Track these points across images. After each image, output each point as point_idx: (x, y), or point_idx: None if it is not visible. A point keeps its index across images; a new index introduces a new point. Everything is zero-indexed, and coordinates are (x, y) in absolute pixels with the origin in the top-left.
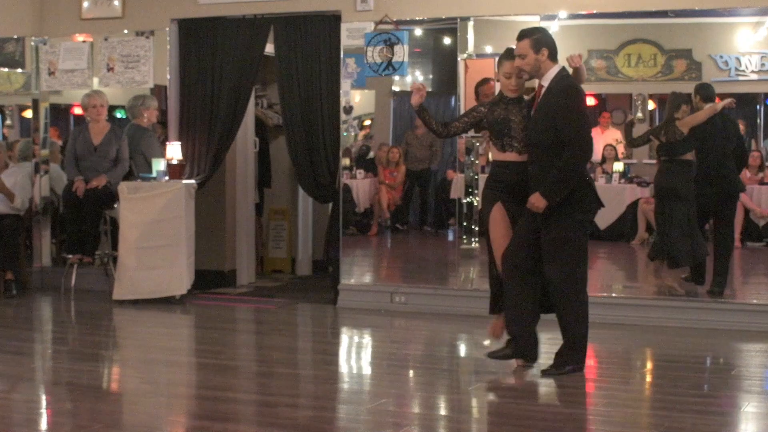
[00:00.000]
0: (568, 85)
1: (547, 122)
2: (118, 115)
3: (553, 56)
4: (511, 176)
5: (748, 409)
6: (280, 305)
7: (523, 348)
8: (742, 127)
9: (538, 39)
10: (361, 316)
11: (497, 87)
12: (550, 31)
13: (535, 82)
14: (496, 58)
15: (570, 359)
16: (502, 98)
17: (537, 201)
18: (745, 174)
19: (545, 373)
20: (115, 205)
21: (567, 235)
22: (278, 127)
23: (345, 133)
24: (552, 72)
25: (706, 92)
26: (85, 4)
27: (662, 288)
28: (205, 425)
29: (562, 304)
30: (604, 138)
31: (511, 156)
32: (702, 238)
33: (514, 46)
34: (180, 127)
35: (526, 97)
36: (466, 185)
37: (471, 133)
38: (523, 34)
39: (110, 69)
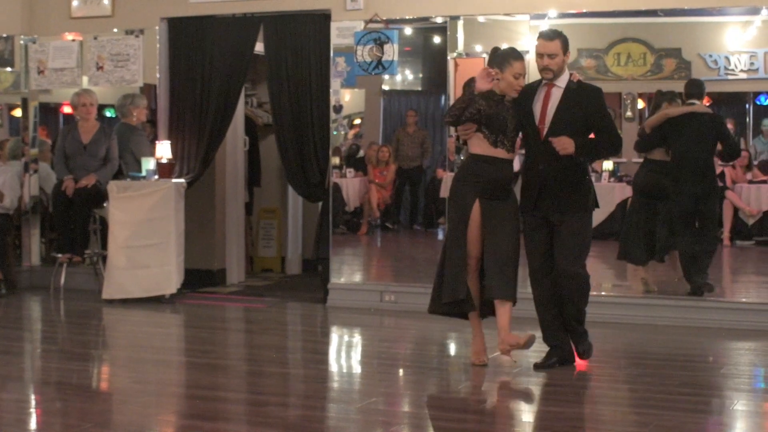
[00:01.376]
0: (595, 86)
1: (576, 120)
2: (108, 114)
3: None
4: (496, 173)
5: (737, 407)
6: (269, 304)
7: (569, 353)
8: (730, 126)
9: (566, 40)
10: (350, 315)
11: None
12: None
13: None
14: (486, 57)
15: (590, 347)
16: (494, 96)
17: (569, 145)
18: (734, 173)
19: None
20: (105, 204)
21: (584, 229)
22: (268, 126)
23: (335, 132)
24: (567, 74)
25: (688, 88)
26: (75, 3)
27: (649, 287)
28: (195, 424)
29: (581, 296)
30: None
31: (500, 153)
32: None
33: (505, 45)
34: (170, 126)
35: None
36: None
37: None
38: (555, 35)
39: (100, 68)
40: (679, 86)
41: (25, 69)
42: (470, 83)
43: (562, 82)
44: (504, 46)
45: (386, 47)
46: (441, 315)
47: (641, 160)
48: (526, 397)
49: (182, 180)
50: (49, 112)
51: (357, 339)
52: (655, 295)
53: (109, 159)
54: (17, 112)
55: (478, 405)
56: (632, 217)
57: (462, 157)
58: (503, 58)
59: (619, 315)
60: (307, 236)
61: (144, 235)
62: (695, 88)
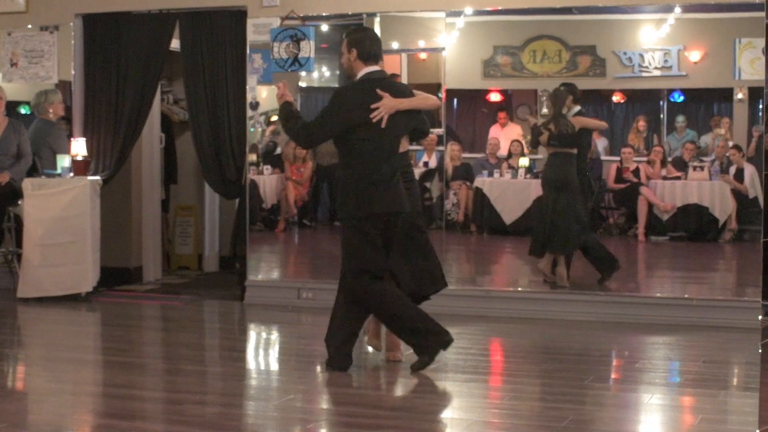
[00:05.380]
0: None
1: None
2: (23, 111)
3: (363, 57)
4: None
5: (652, 401)
6: (186, 302)
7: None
8: (643, 123)
9: (351, 39)
10: (268, 312)
11: None
12: (456, 28)
13: None
14: (402, 54)
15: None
16: None
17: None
18: (648, 169)
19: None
20: (19, 202)
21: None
22: (184, 123)
23: (252, 129)
24: (360, 74)
25: (576, 93)
26: None
27: (548, 278)
28: (112, 423)
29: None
30: (505, 134)
31: None
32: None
33: (421, 42)
34: (85, 123)
35: None
36: None
37: None
38: (345, 34)
39: (14, 64)
40: (593, 83)
41: None
42: None
43: None
44: (421, 43)
45: (303, 44)
46: None
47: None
48: (442, 392)
49: (98, 177)
50: None
51: (275, 336)
52: (570, 290)
53: (21, 155)
54: None
55: (394, 401)
56: (559, 209)
57: None
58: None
59: (535, 310)
60: (224, 233)
61: (59, 233)
62: (579, 94)
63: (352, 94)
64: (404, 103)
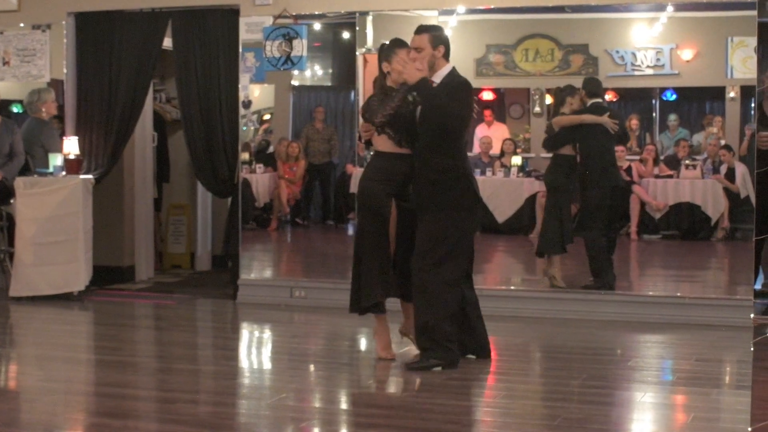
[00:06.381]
0: (459, 82)
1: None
2: (15, 109)
3: (446, 55)
4: (405, 168)
5: (645, 399)
6: (179, 301)
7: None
8: (636, 122)
9: (438, 35)
10: (260, 311)
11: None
12: (449, 26)
13: None
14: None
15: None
16: (392, 92)
17: None
18: (641, 167)
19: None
20: (12, 201)
21: (437, 228)
22: (177, 122)
23: (244, 128)
24: (444, 70)
25: (590, 87)
26: None
27: (545, 277)
28: (105, 422)
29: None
30: (492, 133)
31: (405, 150)
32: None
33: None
34: (77, 122)
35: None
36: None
37: None
38: (423, 29)
39: (6, 63)
40: None
41: None
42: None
43: (439, 77)
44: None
45: (295, 43)
46: (360, 315)
47: (550, 155)
48: (435, 391)
49: (90, 176)
50: None
51: (267, 335)
52: (563, 289)
53: (14, 154)
54: None
55: (387, 399)
56: (552, 212)
57: (371, 153)
58: (387, 51)
59: (528, 309)
60: (217, 232)
61: (52, 232)
62: (598, 88)
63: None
64: None
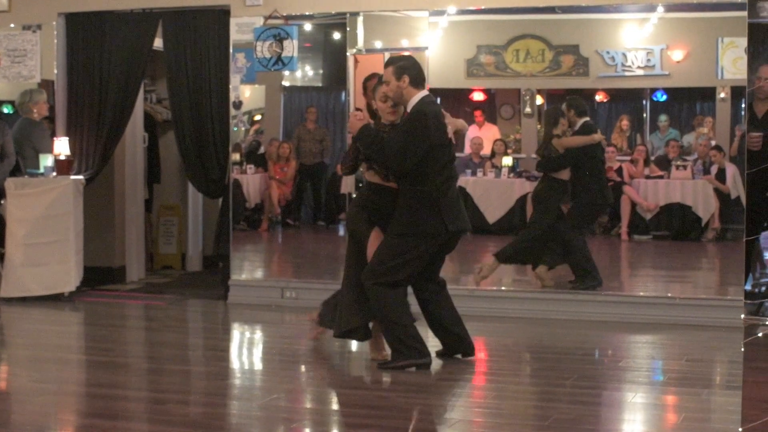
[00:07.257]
0: (414, 112)
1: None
2: (6, 110)
3: (414, 83)
4: (389, 204)
5: (636, 400)
6: (170, 301)
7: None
8: (626, 122)
9: (400, 66)
10: (251, 311)
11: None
12: (439, 27)
13: None
14: (385, 54)
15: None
16: (382, 127)
17: None
18: (631, 168)
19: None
20: (2, 202)
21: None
22: (167, 123)
23: (235, 128)
24: (414, 99)
25: (577, 106)
26: None
27: (535, 278)
28: (96, 423)
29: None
30: (482, 133)
31: (391, 184)
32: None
33: (405, 41)
34: (68, 123)
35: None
36: (356, 180)
37: None
38: (388, 62)
39: None
40: (576, 82)
41: None
42: (369, 79)
43: (410, 106)
44: (404, 43)
45: (286, 43)
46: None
47: (538, 158)
48: (426, 391)
49: (81, 177)
50: None
51: (258, 335)
52: (554, 289)
53: (5, 155)
54: None
55: (378, 400)
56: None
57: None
58: (374, 89)
59: (519, 309)
60: (208, 233)
61: (42, 233)
62: (585, 106)
63: (432, 117)
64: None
